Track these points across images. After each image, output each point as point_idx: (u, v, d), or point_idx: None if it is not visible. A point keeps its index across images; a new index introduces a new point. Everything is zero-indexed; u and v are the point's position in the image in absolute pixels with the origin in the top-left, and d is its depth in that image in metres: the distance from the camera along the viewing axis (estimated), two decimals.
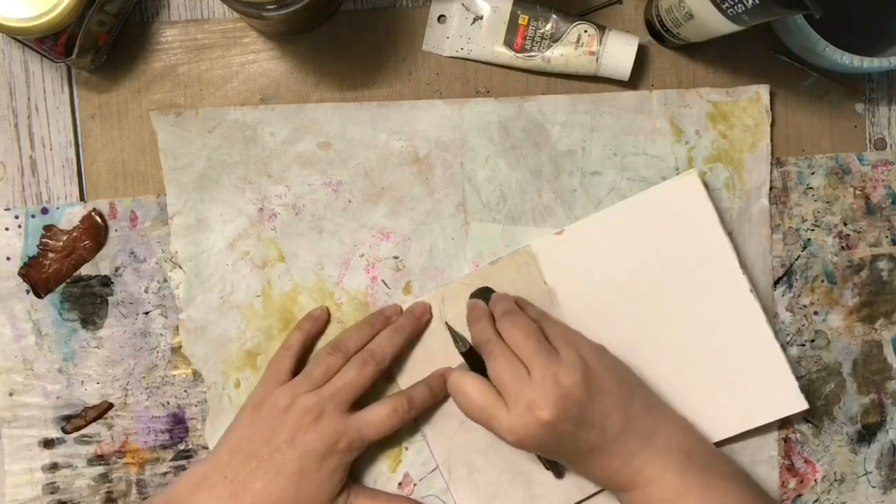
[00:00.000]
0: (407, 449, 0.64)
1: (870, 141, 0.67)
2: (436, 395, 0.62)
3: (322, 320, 0.63)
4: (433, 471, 0.64)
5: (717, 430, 0.63)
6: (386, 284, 0.64)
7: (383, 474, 0.64)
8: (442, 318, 0.63)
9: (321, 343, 0.63)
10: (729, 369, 0.63)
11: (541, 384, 0.55)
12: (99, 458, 0.63)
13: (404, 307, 0.63)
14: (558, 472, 0.62)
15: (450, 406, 0.63)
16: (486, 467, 0.63)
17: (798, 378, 0.65)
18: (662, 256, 0.64)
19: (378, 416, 0.59)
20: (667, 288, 0.64)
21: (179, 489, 0.58)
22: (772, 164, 0.66)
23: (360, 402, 0.60)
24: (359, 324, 0.63)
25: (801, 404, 0.63)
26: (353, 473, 0.62)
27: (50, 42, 0.56)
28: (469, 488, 0.63)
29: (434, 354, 0.63)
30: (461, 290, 0.63)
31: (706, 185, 0.64)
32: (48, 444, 0.63)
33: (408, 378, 0.63)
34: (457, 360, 0.63)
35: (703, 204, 0.64)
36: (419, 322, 0.63)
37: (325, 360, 0.60)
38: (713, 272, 0.64)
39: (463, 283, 0.64)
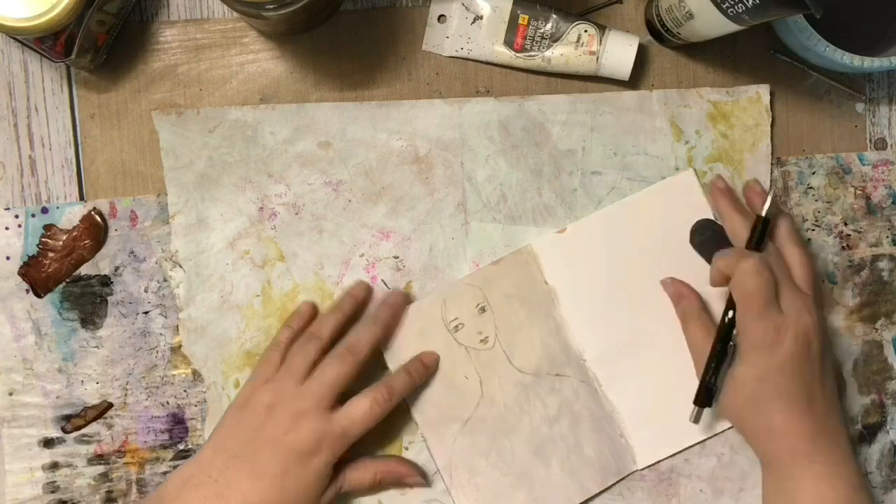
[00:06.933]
0: (407, 449, 0.63)
1: (870, 141, 0.67)
2: (415, 380, 0.61)
3: (308, 316, 0.62)
4: (433, 474, 0.63)
5: (717, 423, 0.64)
6: (386, 284, 0.64)
7: None
8: (444, 319, 0.63)
9: None
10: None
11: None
12: (99, 458, 0.63)
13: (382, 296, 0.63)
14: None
15: (451, 409, 0.63)
16: (487, 470, 0.63)
17: None
18: (660, 252, 0.64)
19: (359, 410, 0.58)
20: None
21: (167, 488, 0.58)
22: (772, 163, 0.66)
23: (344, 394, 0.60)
24: (330, 308, 0.62)
25: None
26: None
27: (49, 42, 0.56)
28: (471, 493, 0.63)
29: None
30: (463, 291, 0.63)
31: (700, 181, 0.65)
32: (48, 443, 0.63)
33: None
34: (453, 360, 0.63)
35: (697, 199, 0.64)
36: (397, 312, 0.62)
37: (303, 349, 0.60)
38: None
39: (465, 284, 0.63)
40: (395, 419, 0.62)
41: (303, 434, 0.57)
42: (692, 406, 0.60)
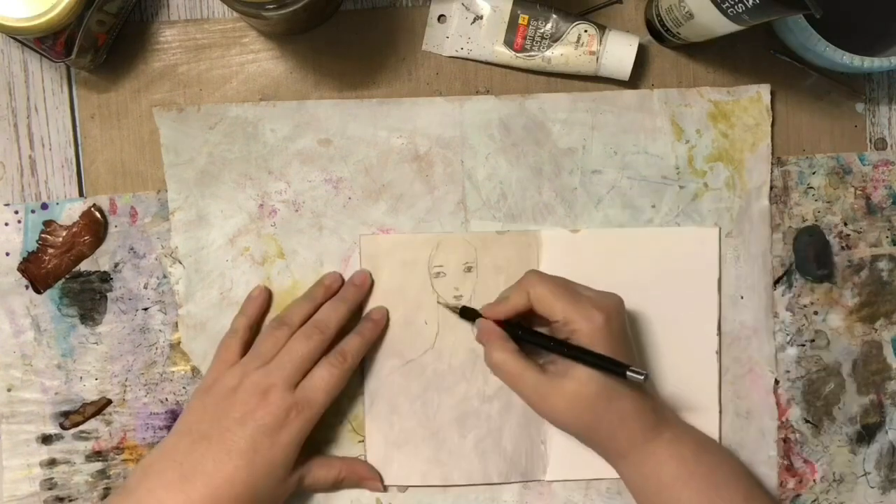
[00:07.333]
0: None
1: (870, 141, 0.67)
2: (367, 339, 0.62)
3: (262, 300, 0.63)
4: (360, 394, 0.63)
5: None
6: None
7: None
8: (429, 261, 0.63)
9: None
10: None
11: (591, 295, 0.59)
12: (97, 455, 0.63)
13: (346, 276, 0.64)
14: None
15: (399, 345, 0.63)
16: (407, 414, 0.63)
17: (798, 378, 0.65)
18: (654, 290, 0.64)
19: (318, 377, 0.58)
20: (644, 320, 0.64)
21: (131, 481, 0.57)
22: (772, 163, 0.66)
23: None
24: (301, 297, 0.62)
25: None
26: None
27: (49, 42, 0.56)
28: (383, 426, 0.63)
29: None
30: (459, 245, 0.63)
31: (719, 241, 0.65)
32: (46, 439, 0.63)
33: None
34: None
35: (711, 257, 0.64)
36: (361, 290, 0.63)
37: (272, 334, 0.60)
38: (692, 324, 0.64)
39: (463, 239, 0.63)
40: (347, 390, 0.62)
41: (269, 410, 0.57)
42: None
